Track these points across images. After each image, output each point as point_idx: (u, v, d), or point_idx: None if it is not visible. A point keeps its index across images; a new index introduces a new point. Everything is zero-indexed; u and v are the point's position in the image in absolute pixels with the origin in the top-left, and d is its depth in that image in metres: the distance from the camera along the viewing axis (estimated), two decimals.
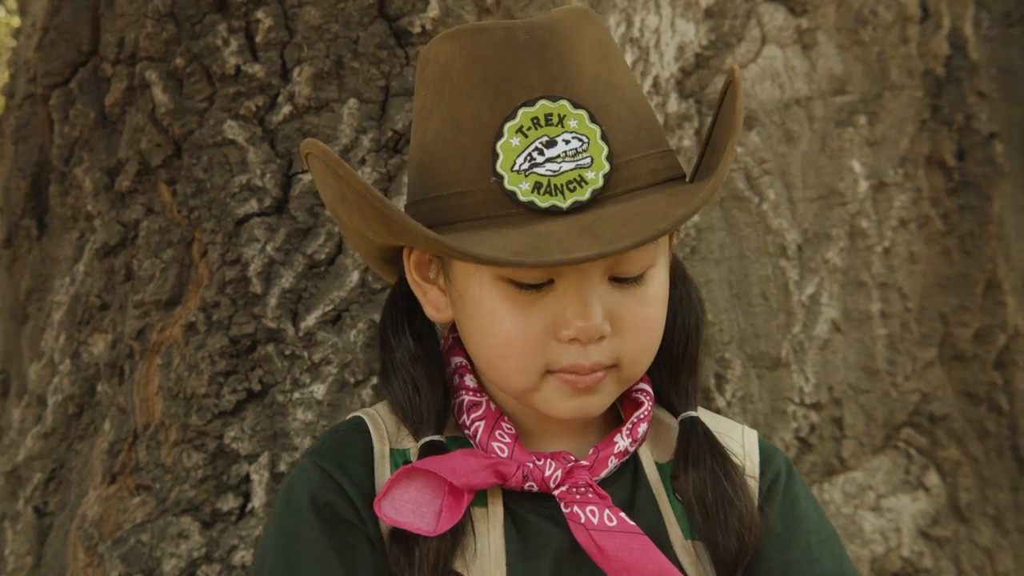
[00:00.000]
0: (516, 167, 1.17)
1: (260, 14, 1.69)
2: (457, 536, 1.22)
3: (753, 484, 1.29)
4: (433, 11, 1.67)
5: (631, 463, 1.28)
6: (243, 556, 1.59)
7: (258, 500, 1.60)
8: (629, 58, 1.80)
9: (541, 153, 1.17)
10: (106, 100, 1.79)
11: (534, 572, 1.23)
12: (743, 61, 1.88)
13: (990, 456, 2.07)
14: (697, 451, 1.26)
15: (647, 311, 1.21)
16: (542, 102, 1.17)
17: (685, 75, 1.84)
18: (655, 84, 1.82)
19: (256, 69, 1.69)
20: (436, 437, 1.27)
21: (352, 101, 1.66)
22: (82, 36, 1.83)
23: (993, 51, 2.23)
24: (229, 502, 1.62)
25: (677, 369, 1.30)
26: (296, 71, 1.68)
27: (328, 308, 1.64)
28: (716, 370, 1.81)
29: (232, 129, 1.68)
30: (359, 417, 1.32)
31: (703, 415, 1.33)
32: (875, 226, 1.96)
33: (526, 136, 1.17)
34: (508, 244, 1.14)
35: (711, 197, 1.16)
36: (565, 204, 1.16)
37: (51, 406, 1.81)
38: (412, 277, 1.29)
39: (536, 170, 1.16)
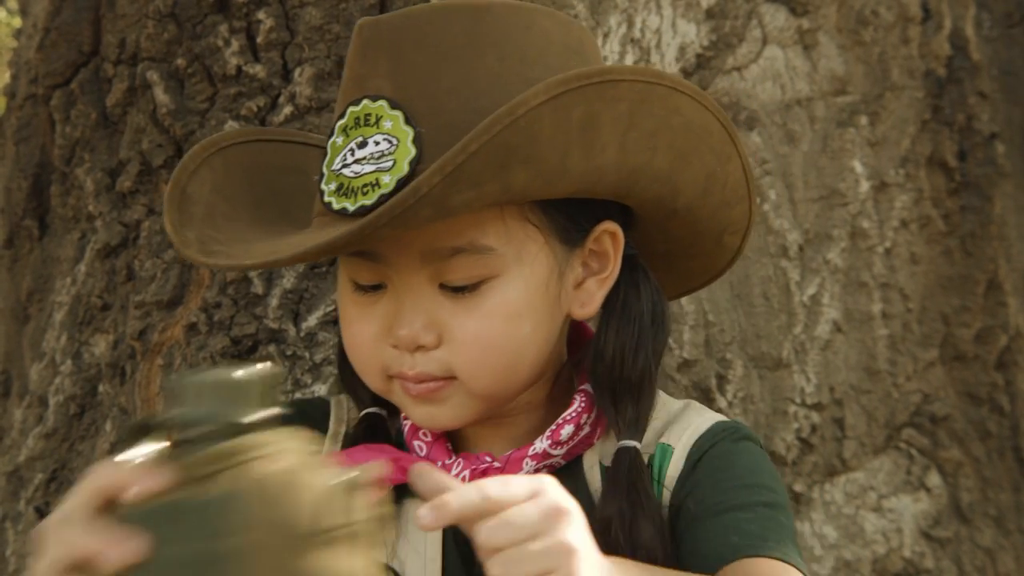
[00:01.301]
0: (334, 166, 1.13)
1: (261, 15, 1.69)
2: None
3: (679, 464, 1.21)
4: None
5: (574, 469, 1.22)
6: None
7: None
8: (630, 59, 1.79)
9: (353, 153, 1.12)
10: (107, 100, 1.79)
11: (469, 572, 1.20)
12: (744, 62, 1.88)
13: (992, 457, 2.07)
14: (615, 485, 1.18)
15: (480, 324, 1.13)
16: (364, 101, 1.12)
17: (686, 75, 1.84)
18: None
19: (257, 70, 1.69)
20: (375, 409, 1.27)
21: None
22: (83, 37, 1.83)
23: (994, 52, 2.23)
24: None
25: (614, 391, 1.20)
26: (297, 72, 1.68)
27: (329, 308, 1.64)
28: (717, 370, 1.81)
29: (233, 129, 1.68)
30: (326, 397, 1.34)
31: (673, 403, 1.27)
32: (876, 227, 1.96)
33: (348, 135, 1.13)
34: (276, 246, 1.12)
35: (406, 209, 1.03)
36: (353, 207, 1.10)
37: (52, 406, 1.81)
38: None
39: (344, 171, 1.12)
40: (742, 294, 1.85)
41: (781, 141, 1.90)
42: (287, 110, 1.67)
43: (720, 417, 1.27)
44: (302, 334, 1.64)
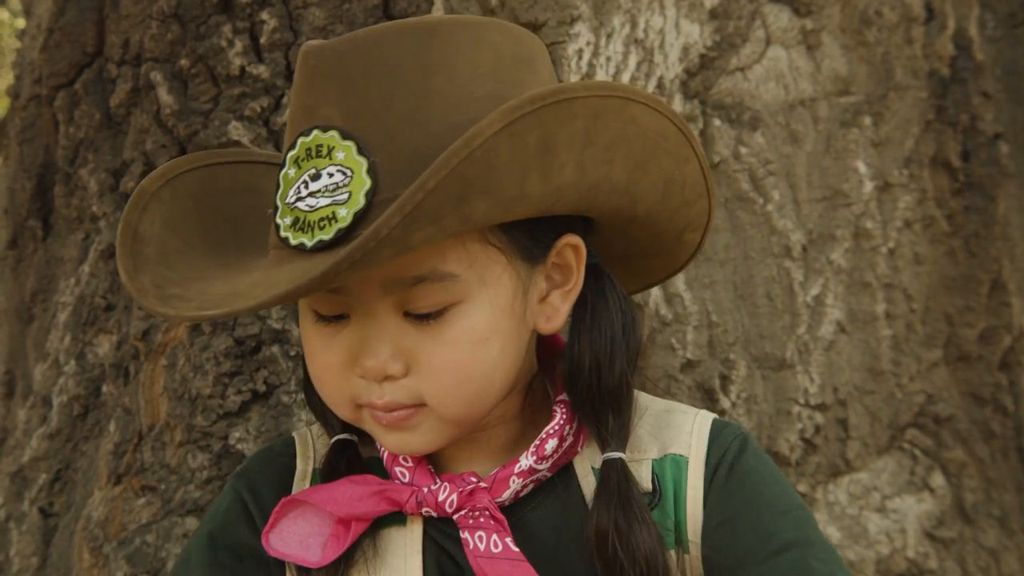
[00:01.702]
0: (288, 199, 1.11)
1: (265, 15, 1.69)
2: (348, 564, 1.20)
3: (699, 474, 1.21)
4: (437, 12, 1.67)
5: (565, 478, 1.22)
6: None
7: None
8: (633, 59, 1.80)
9: (307, 186, 1.09)
10: (111, 101, 1.79)
11: None
12: (747, 62, 1.88)
13: (995, 457, 2.07)
14: (606, 497, 1.17)
15: (447, 351, 1.12)
16: (315, 132, 1.10)
17: (690, 76, 1.84)
18: (659, 85, 1.83)
19: (261, 70, 1.69)
20: (346, 436, 1.26)
21: None
22: (87, 37, 1.84)
23: (998, 52, 2.22)
24: None
25: (595, 405, 1.20)
26: None
27: None
28: (721, 371, 1.81)
29: (237, 130, 1.68)
30: (291, 436, 1.32)
31: (651, 402, 1.27)
32: (880, 227, 1.96)
33: (300, 167, 1.10)
34: (234, 286, 1.10)
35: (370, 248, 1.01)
36: (311, 242, 1.08)
37: (56, 407, 1.81)
38: None
39: (299, 204, 1.09)
40: (745, 295, 1.85)
41: (784, 141, 1.90)
42: None
43: (708, 413, 1.27)
44: None
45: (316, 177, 1.09)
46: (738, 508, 1.19)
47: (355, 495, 1.19)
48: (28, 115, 1.95)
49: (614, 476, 1.18)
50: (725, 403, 1.80)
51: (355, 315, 1.13)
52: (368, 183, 1.07)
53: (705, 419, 1.25)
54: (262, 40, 1.69)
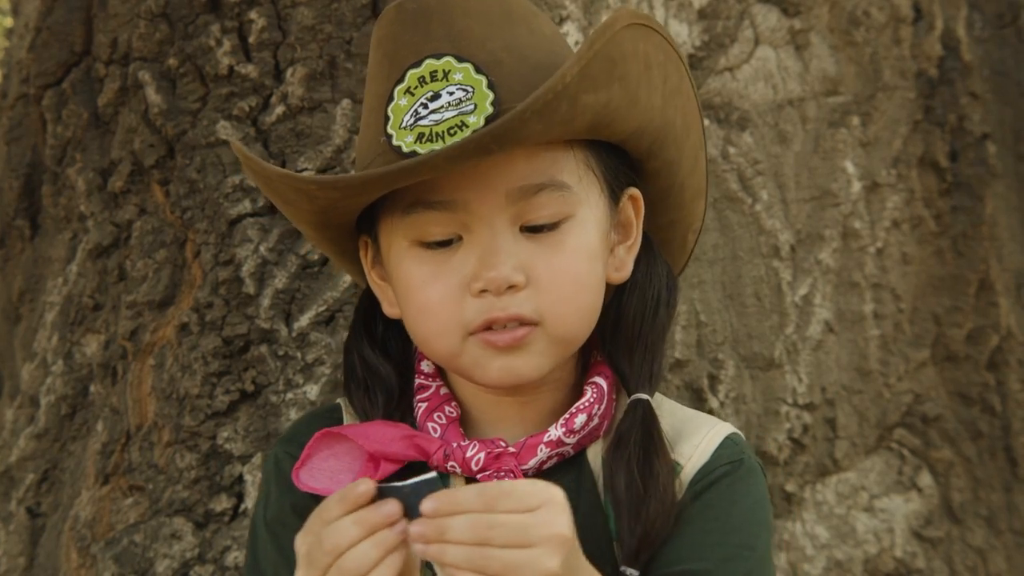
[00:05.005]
0: (403, 124, 1.19)
1: (253, 14, 1.69)
2: None
3: (683, 482, 1.25)
4: None
5: (578, 463, 1.27)
6: (236, 557, 1.59)
7: (251, 501, 1.60)
8: None
9: (426, 107, 1.19)
10: (99, 100, 1.79)
11: None
12: (736, 62, 1.88)
13: (983, 457, 2.07)
14: (627, 432, 1.24)
15: (564, 260, 1.20)
16: (428, 61, 1.19)
17: None
18: None
19: (249, 69, 1.69)
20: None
21: (345, 102, 1.66)
22: (75, 36, 1.83)
23: (986, 52, 2.23)
24: (222, 503, 1.62)
25: (631, 347, 1.28)
26: (289, 71, 1.68)
27: (321, 308, 1.64)
28: (709, 371, 1.81)
29: (225, 129, 1.68)
30: (337, 402, 1.37)
31: (678, 410, 1.32)
32: (868, 227, 1.96)
33: (413, 95, 1.19)
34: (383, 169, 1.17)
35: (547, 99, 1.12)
36: (444, 148, 1.16)
37: (44, 407, 1.81)
38: (371, 279, 1.32)
39: (420, 123, 1.18)
40: (734, 294, 1.86)
41: (773, 141, 1.90)
42: (279, 110, 1.67)
43: (729, 429, 1.30)
44: (294, 334, 1.63)
45: (435, 98, 1.19)
46: (691, 518, 1.23)
47: (387, 435, 1.24)
48: (16, 114, 1.95)
49: (639, 413, 1.25)
50: (713, 403, 1.80)
51: (471, 233, 1.20)
52: (491, 95, 1.18)
53: (718, 434, 1.30)
54: (250, 39, 1.69)
